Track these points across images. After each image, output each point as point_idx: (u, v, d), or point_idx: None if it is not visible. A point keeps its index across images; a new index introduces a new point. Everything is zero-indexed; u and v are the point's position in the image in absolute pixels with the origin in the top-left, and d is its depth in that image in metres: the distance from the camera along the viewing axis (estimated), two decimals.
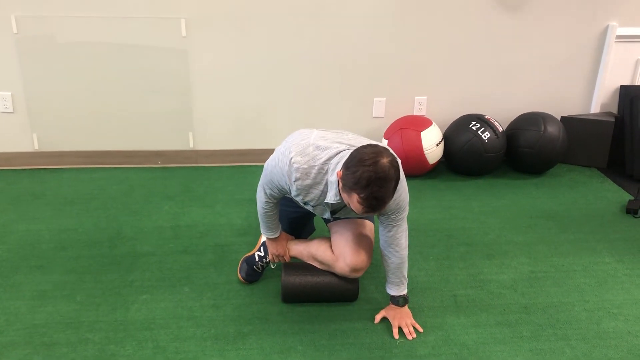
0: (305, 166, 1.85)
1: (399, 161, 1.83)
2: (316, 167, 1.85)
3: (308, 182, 1.87)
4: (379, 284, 2.33)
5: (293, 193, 1.94)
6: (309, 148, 1.86)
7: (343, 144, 1.87)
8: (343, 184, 1.73)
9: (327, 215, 2.01)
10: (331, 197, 1.85)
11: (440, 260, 2.54)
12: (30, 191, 3.06)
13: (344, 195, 1.75)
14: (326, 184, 1.87)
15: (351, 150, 1.79)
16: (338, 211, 2.03)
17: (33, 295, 2.23)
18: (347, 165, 1.72)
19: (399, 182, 1.86)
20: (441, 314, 2.20)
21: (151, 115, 3.30)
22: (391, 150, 1.79)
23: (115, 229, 2.71)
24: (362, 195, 1.67)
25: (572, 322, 2.17)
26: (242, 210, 2.91)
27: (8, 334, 2.03)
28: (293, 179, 1.87)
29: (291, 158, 1.86)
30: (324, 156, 1.85)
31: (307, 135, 1.91)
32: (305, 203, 1.97)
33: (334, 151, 1.85)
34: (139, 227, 2.73)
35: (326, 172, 1.85)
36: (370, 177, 1.65)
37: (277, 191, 2.01)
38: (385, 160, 1.68)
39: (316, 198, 1.92)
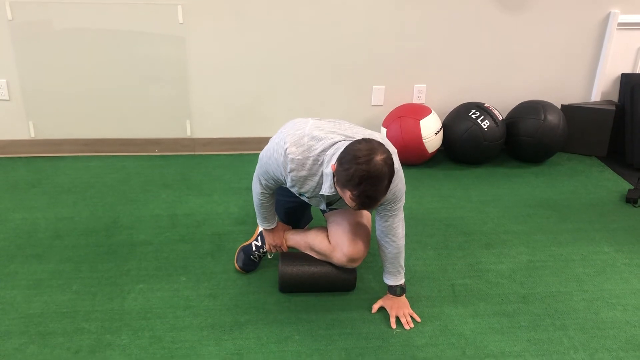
0: (300, 157, 1.83)
1: (395, 157, 1.82)
2: (311, 158, 1.83)
3: (303, 173, 1.86)
4: (377, 274, 2.32)
5: (288, 184, 1.92)
6: (304, 139, 1.84)
7: (338, 134, 1.85)
8: (337, 179, 1.72)
9: (322, 206, 1.99)
10: (326, 189, 1.82)
11: (439, 250, 2.53)
12: (26, 179, 3.04)
13: (338, 189, 1.74)
14: (321, 176, 1.85)
15: (347, 142, 1.77)
16: (334, 202, 2.02)
17: (29, 285, 2.22)
18: (340, 161, 1.69)
19: (395, 173, 1.84)
20: (439, 304, 2.19)
21: (148, 103, 3.28)
22: (386, 145, 1.76)
23: (111, 218, 2.70)
24: (354, 193, 1.66)
25: (570, 312, 2.16)
26: (240, 199, 2.89)
27: (3, 323, 2.02)
28: (288, 170, 1.85)
29: (286, 149, 1.84)
30: (319, 147, 1.83)
31: (302, 125, 1.88)
32: (300, 194, 1.96)
33: (330, 142, 1.83)
34: (135, 216, 2.71)
35: (321, 164, 1.83)
36: (363, 176, 1.63)
37: (273, 182, 1.99)
38: (379, 158, 1.65)
39: (311, 189, 1.91)
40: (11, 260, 2.37)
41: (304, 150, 1.83)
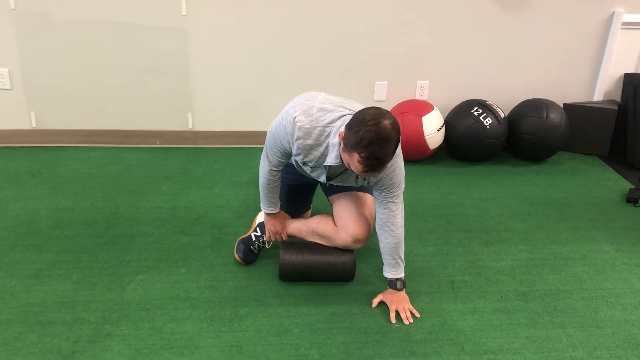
0: (307, 126, 1.87)
1: None
2: (318, 129, 1.87)
3: (309, 142, 1.89)
4: (377, 269, 2.32)
5: (294, 152, 1.95)
6: (313, 109, 1.88)
7: (347, 109, 1.90)
8: (344, 144, 1.75)
9: (323, 178, 2.02)
10: (331, 160, 1.87)
11: (439, 246, 2.53)
12: (27, 169, 3.04)
13: (345, 156, 1.77)
14: (327, 147, 1.89)
15: None
16: (335, 177, 2.04)
17: (29, 274, 2.22)
18: (349, 126, 1.74)
19: (395, 158, 1.90)
20: (438, 300, 2.19)
21: (150, 95, 3.27)
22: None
23: (112, 209, 2.70)
24: (362, 155, 1.69)
25: (569, 310, 2.16)
26: (241, 192, 2.89)
27: (3, 312, 2.02)
28: (295, 138, 1.89)
29: (295, 117, 1.87)
30: (327, 118, 1.87)
31: (313, 97, 1.93)
32: (304, 163, 1.99)
33: (338, 114, 1.87)
34: (136, 208, 2.71)
35: (328, 135, 1.87)
36: (372, 137, 1.67)
37: (280, 154, 2.01)
38: (387, 122, 1.70)
39: (316, 159, 1.94)
40: (11, 249, 2.37)
41: (312, 120, 1.87)
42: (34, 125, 3.28)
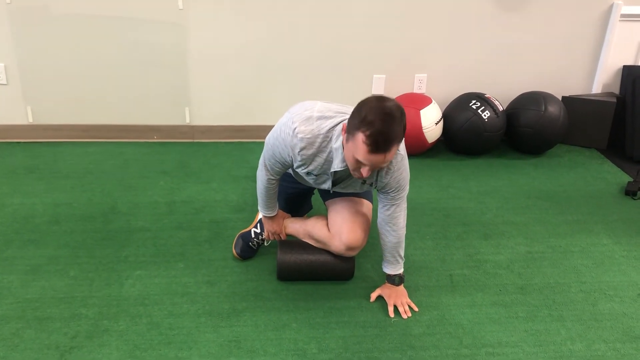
0: (309, 136, 1.84)
1: (401, 144, 1.85)
2: (321, 136, 1.85)
3: (312, 151, 1.87)
4: (375, 263, 2.32)
5: (296, 164, 1.92)
6: (312, 118, 1.85)
7: (346, 114, 1.86)
8: (347, 131, 1.72)
9: (327, 185, 1.99)
10: (337, 164, 1.85)
11: (437, 240, 2.53)
12: (24, 165, 3.03)
13: (348, 147, 1.72)
14: (330, 152, 1.87)
15: None
16: (339, 183, 2.02)
17: (26, 270, 2.22)
18: (352, 114, 1.71)
19: (402, 160, 1.89)
20: (437, 294, 2.19)
21: (147, 90, 3.26)
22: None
23: (109, 204, 2.69)
24: (367, 133, 1.64)
25: (568, 303, 2.16)
26: (239, 187, 2.88)
27: (0, 308, 2.02)
28: (297, 150, 1.86)
29: (295, 128, 1.84)
30: (328, 125, 1.85)
31: (310, 107, 1.90)
32: (308, 173, 1.96)
33: (338, 120, 1.85)
34: (133, 202, 2.71)
35: (330, 140, 1.85)
36: (376, 114, 1.64)
37: (280, 165, 1.99)
38: (390, 103, 1.67)
39: (319, 166, 1.91)
40: (8, 245, 2.37)
41: (313, 129, 1.84)
42: (30, 120, 3.27)
